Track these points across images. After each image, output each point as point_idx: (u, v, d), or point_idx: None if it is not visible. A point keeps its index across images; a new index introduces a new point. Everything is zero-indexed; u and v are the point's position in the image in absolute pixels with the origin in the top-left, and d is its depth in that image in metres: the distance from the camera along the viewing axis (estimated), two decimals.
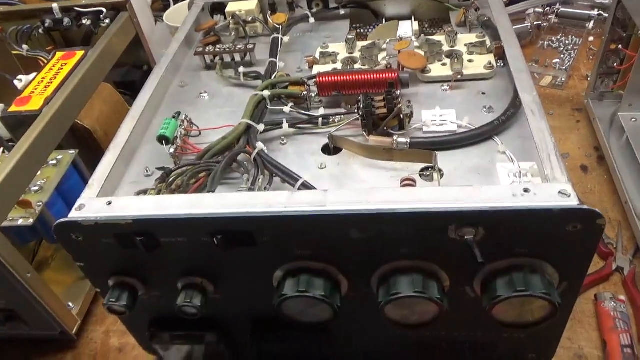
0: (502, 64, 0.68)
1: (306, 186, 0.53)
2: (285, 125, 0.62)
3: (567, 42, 1.18)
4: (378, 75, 0.63)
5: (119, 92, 0.92)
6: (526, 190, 0.44)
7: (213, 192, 0.53)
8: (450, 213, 0.44)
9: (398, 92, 0.59)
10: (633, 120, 0.88)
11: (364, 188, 0.53)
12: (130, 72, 1.01)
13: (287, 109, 0.63)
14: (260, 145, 0.57)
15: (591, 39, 1.18)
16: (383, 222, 0.45)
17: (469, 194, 0.45)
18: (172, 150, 0.59)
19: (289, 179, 0.54)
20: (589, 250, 0.46)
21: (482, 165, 0.55)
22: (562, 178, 0.46)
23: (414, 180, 0.52)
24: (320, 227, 0.47)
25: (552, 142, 0.50)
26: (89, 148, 0.83)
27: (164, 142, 0.59)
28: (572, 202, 0.43)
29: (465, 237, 0.45)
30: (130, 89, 0.97)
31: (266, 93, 0.63)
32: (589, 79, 1.01)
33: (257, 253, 0.49)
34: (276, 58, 0.72)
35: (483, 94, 0.64)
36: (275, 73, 0.69)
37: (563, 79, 1.07)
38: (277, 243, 0.48)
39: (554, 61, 1.12)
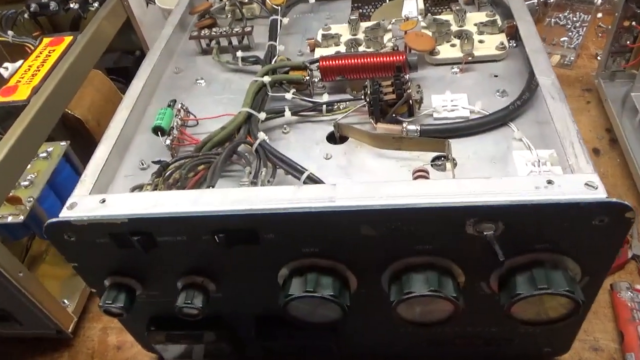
0: (514, 44, 0.64)
1: (312, 179, 0.50)
2: (287, 113, 0.58)
3: (574, 19, 1.14)
4: (385, 58, 0.59)
5: (111, 79, 0.89)
6: (550, 182, 0.41)
7: (213, 186, 0.50)
8: (469, 208, 0.41)
9: (407, 77, 0.56)
10: None
11: (374, 181, 0.50)
12: (122, 58, 0.97)
13: (289, 95, 0.60)
14: (262, 135, 0.54)
15: (599, 15, 1.14)
16: (396, 218, 0.42)
17: (488, 187, 0.42)
18: (168, 141, 0.56)
19: (294, 171, 0.51)
20: (615, 244, 0.44)
21: (498, 153, 0.52)
22: (587, 168, 0.43)
23: (426, 172, 0.49)
24: (329, 224, 0.44)
25: (574, 128, 0.47)
26: (81, 138, 0.80)
27: (159, 133, 0.56)
28: (600, 194, 0.40)
29: (484, 233, 0.42)
30: (122, 75, 0.94)
31: (266, 79, 0.60)
32: (598, 57, 0.97)
33: (261, 251, 0.47)
34: (276, 41, 0.69)
35: (495, 76, 0.61)
36: (275, 57, 0.66)
37: (572, 58, 1.04)
38: (283, 241, 0.46)
39: (562, 39, 1.08)
